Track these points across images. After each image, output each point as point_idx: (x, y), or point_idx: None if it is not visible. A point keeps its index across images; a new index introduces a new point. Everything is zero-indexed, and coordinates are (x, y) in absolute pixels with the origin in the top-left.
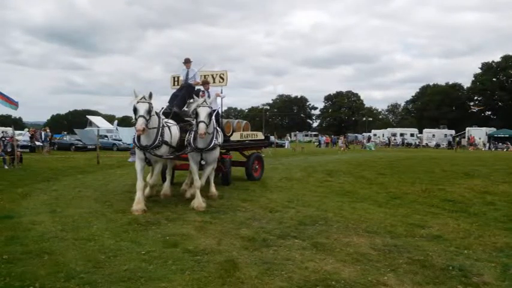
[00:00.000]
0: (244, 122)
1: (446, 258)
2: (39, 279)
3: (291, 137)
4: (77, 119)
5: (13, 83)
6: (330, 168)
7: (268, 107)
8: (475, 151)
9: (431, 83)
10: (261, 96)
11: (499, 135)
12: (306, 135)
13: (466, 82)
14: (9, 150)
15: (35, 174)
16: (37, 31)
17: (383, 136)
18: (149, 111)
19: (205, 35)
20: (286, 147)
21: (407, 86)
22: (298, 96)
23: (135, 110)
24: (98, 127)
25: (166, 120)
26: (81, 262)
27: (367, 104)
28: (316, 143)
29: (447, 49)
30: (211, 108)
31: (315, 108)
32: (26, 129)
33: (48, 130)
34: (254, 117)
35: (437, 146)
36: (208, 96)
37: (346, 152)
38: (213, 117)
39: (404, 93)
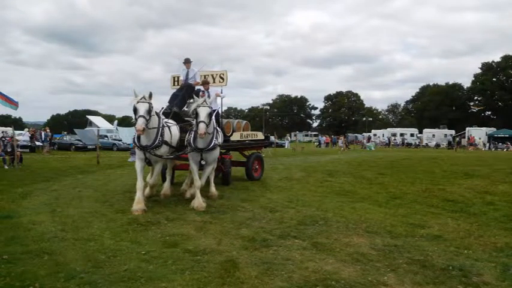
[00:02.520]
0: (244, 122)
1: (446, 258)
2: (39, 279)
3: (291, 137)
4: (77, 119)
5: (13, 83)
6: (330, 168)
7: (268, 107)
8: (475, 151)
9: (431, 83)
10: (261, 96)
11: (499, 135)
12: (306, 135)
13: (466, 82)
14: (9, 150)
15: (35, 174)
16: (37, 31)
17: (383, 136)
18: (149, 111)
19: (205, 35)
20: (286, 147)
21: (407, 86)
22: (298, 96)
23: (135, 110)
24: (98, 127)
25: (166, 120)
26: (81, 262)
27: (367, 104)
28: (316, 143)
29: (447, 49)
30: (211, 108)
31: (315, 108)
32: (26, 129)
33: (48, 130)
34: (254, 117)
35: (437, 146)
36: (208, 96)
37: (346, 152)
38: (213, 117)
39: (404, 93)
